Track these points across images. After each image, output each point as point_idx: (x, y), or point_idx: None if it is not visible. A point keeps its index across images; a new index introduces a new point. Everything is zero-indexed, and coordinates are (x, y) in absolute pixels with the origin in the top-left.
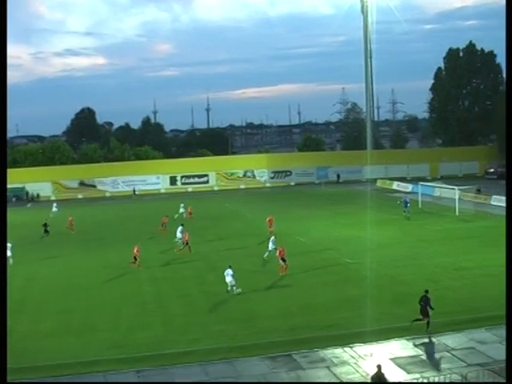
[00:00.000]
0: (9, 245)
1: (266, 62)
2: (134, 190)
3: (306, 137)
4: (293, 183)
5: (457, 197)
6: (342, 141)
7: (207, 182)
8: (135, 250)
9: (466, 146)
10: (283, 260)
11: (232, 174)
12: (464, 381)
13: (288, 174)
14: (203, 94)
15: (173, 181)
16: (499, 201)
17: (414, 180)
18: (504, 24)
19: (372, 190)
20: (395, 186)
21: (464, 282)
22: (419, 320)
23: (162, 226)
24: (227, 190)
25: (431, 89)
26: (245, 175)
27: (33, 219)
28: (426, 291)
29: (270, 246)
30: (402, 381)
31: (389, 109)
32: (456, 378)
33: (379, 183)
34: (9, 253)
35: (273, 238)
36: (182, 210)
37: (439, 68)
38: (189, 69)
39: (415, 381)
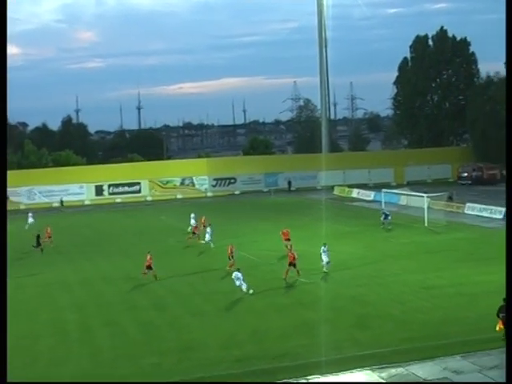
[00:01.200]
0: None
1: (205, 52)
2: (62, 201)
3: (252, 138)
4: (238, 192)
5: (426, 205)
6: (294, 143)
7: (139, 191)
8: (148, 258)
9: (436, 147)
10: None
11: (168, 182)
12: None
13: (232, 181)
14: (133, 89)
15: (99, 190)
16: (474, 209)
17: (377, 187)
18: (480, 8)
19: (328, 199)
20: (355, 193)
21: (435, 302)
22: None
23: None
24: (162, 201)
25: (395, 82)
26: (182, 183)
27: None
28: (504, 299)
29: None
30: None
31: (347, 105)
32: None
33: (337, 191)
34: None
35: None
36: (193, 222)
37: (405, 58)
38: (116, 60)
39: (416, 381)
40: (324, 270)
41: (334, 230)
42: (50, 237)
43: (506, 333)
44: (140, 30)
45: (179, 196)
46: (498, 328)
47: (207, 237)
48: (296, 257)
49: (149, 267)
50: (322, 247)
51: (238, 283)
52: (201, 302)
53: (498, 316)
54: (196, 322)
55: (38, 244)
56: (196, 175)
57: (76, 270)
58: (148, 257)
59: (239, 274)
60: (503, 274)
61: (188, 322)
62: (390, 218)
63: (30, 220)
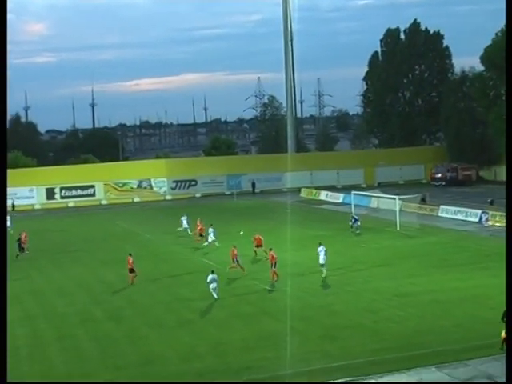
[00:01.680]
0: None
1: (165, 46)
2: (14, 205)
3: (214, 138)
4: (199, 195)
5: (398, 208)
6: (258, 142)
7: (93, 194)
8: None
9: (408, 147)
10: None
11: (124, 184)
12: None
13: (193, 183)
14: (87, 85)
15: (50, 194)
16: (448, 212)
17: (346, 188)
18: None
19: (295, 202)
20: (323, 196)
21: (409, 311)
22: None
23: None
24: (118, 205)
25: (365, 78)
26: (140, 186)
27: None
28: None
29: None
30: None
31: (314, 103)
32: None
33: (303, 193)
34: None
35: None
36: (185, 224)
37: (375, 52)
38: (68, 54)
39: (415, 381)
40: (322, 275)
41: (301, 234)
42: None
43: (506, 333)
44: (95, 23)
45: (136, 199)
46: (503, 335)
47: (210, 238)
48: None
49: (131, 270)
50: (319, 247)
51: (211, 286)
52: (163, 311)
53: (503, 320)
54: (155, 335)
55: (21, 248)
56: (154, 177)
57: (26, 282)
58: (130, 260)
59: (215, 276)
60: (478, 280)
61: (146, 333)
62: (359, 222)
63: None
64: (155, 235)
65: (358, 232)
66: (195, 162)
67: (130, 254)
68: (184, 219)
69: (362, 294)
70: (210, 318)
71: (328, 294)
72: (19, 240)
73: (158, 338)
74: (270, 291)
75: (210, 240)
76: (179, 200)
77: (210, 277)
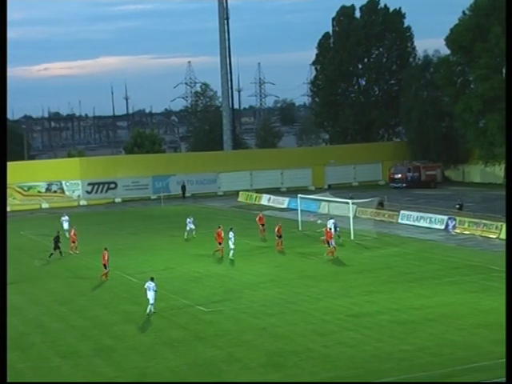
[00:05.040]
0: None
1: (78, 24)
2: None
3: (136, 133)
4: (119, 199)
5: (351, 214)
6: (189, 138)
7: None
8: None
9: (364, 143)
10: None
11: (30, 187)
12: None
13: (112, 186)
14: None
15: None
16: (410, 218)
17: (292, 192)
18: None
19: (232, 208)
20: (265, 200)
21: (365, 333)
22: None
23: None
24: (23, 212)
25: (314, 63)
26: (49, 189)
27: None
28: None
29: None
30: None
31: (254, 92)
32: None
33: (242, 197)
34: None
35: None
36: (192, 226)
37: (326, 33)
38: None
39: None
40: (230, 256)
41: (240, 245)
42: (74, 242)
43: (506, 333)
44: None
45: (45, 205)
46: None
47: (230, 244)
48: None
49: (105, 266)
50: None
51: (149, 295)
52: (75, 335)
53: None
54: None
55: (57, 247)
56: (66, 179)
57: None
58: (105, 254)
59: (152, 284)
60: (445, 296)
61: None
62: (338, 229)
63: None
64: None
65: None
66: (115, 160)
67: (106, 248)
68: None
69: (311, 313)
70: (130, 345)
71: (271, 314)
72: (57, 238)
73: (67, 369)
74: (203, 312)
75: (231, 246)
76: (96, 206)
77: (147, 284)
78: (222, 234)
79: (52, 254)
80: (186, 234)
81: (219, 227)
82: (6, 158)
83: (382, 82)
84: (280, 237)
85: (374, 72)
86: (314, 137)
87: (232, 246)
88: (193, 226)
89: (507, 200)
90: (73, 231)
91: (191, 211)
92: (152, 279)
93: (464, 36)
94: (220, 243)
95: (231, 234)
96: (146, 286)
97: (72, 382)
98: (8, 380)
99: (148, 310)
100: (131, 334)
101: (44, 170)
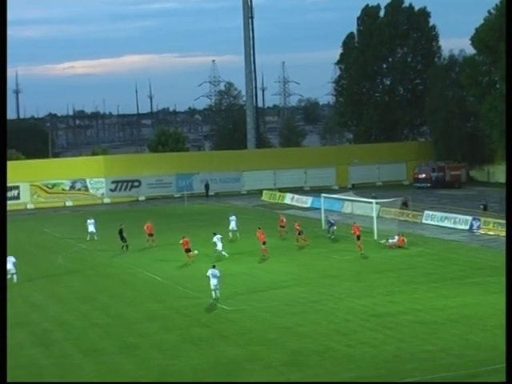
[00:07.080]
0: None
1: (102, 22)
2: None
3: (160, 131)
4: (143, 198)
5: (375, 214)
6: (213, 137)
7: (17, 197)
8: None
9: (388, 142)
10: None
11: (54, 185)
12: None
13: (136, 184)
14: (9, 68)
15: None
16: (434, 218)
17: (315, 191)
18: None
19: (256, 207)
20: (288, 199)
21: (387, 333)
22: None
23: None
24: (47, 209)
25: (339, 62)
26: (73, 187)
27: None
28: None
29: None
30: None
31: (278, 90)
32: None
33: (265, 196)
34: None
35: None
36: (233, 225)
37: (351, 33)
38: None
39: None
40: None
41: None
42: (151, 234)
43: (506, 333)
44: None
45: (69, 203)
46: None
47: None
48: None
49: (188, 250)
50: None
51: (214, 282)
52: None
53: None
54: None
55: (122, 238)
56: (90, 177)
57: None
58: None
59: (216, 271)
60: (469, 297)
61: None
62: (335, 227)
63: None
64: (90, 244)
65: (333, 237)
66: (139, 159)
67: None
68: (91, 223)
69: (333, 313)
70: (152, 343)
71: (294, 313)
72: (121, 231)
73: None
74: (227, 311)
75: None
76: (119, 204)
77: (209, 271)
78: (263, 235)
79: (124, 245)
80: (229, 234)
81: (259, 228)
82: (6, 158)
83: (407, 82)
84: (300, 234)
85: (399, 71)
86: (337, 136)
87: (220, 248)
88: (235, 227)
89: (507, 200)
90: (149, 225)
91: (214, 210)
92: (214, 266)
93: (489, 36)
94: (264, 243)
95: (215, 238)
96: (208, 274)
97: (72, 382)
98: (8, 380)
99: (214, 296)
100: (154, 331)
101: (68, 168)
